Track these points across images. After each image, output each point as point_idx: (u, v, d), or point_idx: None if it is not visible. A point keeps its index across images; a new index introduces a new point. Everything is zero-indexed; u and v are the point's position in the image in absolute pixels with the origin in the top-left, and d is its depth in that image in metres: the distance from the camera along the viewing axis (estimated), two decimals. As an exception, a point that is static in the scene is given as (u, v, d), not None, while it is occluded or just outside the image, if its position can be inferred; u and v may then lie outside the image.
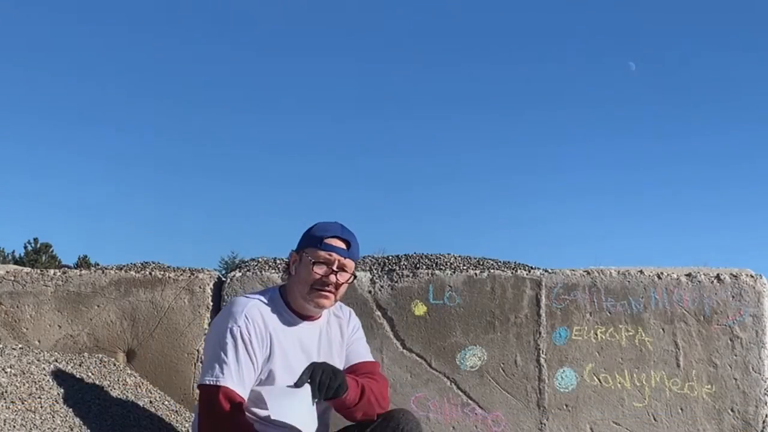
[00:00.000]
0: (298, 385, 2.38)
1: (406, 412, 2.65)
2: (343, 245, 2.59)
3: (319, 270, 2.57)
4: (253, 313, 2.55)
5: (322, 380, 2.39)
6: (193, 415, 2.74)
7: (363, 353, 2.76)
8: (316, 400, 2.38)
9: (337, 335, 2.72)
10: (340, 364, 2.70)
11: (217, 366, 2.47)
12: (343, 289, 2.64)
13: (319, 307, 2.62)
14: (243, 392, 2.47)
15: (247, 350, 2.49)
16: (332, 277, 2.57)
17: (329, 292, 2.59)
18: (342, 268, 2.59)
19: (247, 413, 2.52)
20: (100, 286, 3.85)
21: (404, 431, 2.56)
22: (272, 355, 2.55)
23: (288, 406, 2.34)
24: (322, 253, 2.57)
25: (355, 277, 2.66)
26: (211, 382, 2.46)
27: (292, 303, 2.63)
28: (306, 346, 2.63)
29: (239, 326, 2.51)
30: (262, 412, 2.56)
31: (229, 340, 2.49)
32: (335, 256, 2.57)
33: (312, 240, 2.60)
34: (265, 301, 2.62)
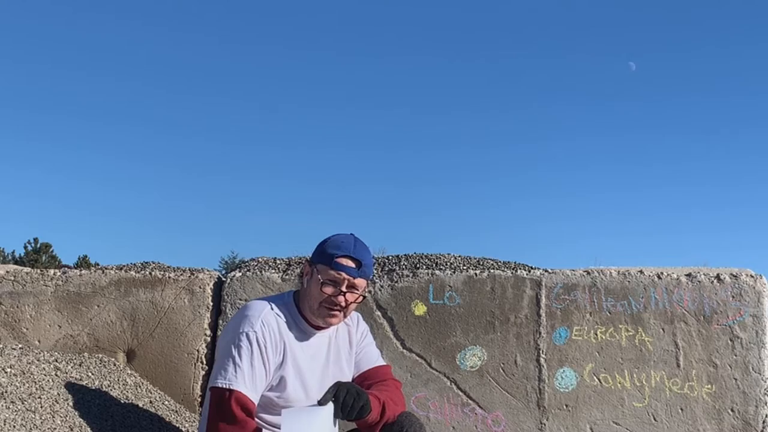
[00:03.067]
0: (321, 403, 2.38)
1: (410, 415, 2.65)
2: (353, 264, 2.56)
3: (328, 290, 2.55)
4: (269, 318, 2.55)
5: (345, 401, 2.40)
6: (201, 416, 2.73)
7: (374, 359, 2.77)
8: (338, 419, 2.39)
9: (345, 343, 2.72)
10: (349, 372, 2.71)
11: (230, 369, 2.46)
12: (352, 307, 2.63)
13: (328, 324, 2.62)
14: (254, 398, 2.47)
15: (261, 356, 2.49)
16: (340, 298, 2.56)
17: (337, 311, 2.58)
18: (352, 287, 2.57)
19: (256, 419, 2.52)
20: (100, 286, 3.85)
21: None
22: (285, 362, 2.55)
23: (306, 423, 2.32)
24: (332, 273, 2.55)
25: (365, 297, 2.63)
26: (224, 386, 2.45)
27: (304, 312, 2.63)
28: (316, 353, 2.64)
29: (255, 331, 2.50)
30: (270, 418, 2.57)
31: (244, 344, 2.49)
32: (344, 276, 2.55)
33: (324, 257, 2.58)
34: (280, 306, 2.62)
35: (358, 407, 2.41)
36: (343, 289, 2.56)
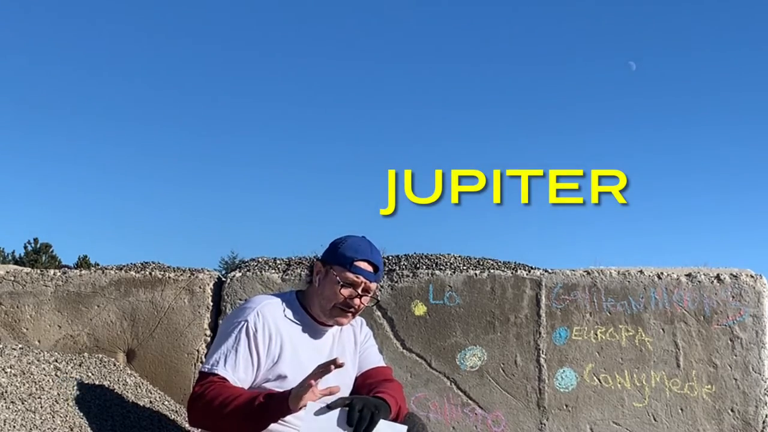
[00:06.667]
0: (332, 407, 2.33)
1: (412, 415, 2.66)
2: (371, 269, 2.60)
3: (345, 292, 2.58)
4: (266, 311, 2.58)
5: (362, 415, 2.30)
6: None
7: (377, 359, 2.79)
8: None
9: (350, 342, 2.74)
10: (353, 370, 2.72)
11: (215, 355, 2.53)
12: (362, 309, 2.66)
13: (337, 324, 2.65)
14: (232, 378, 2.49)
15: (249, 344, 2.52)
16: (356, 301, 2.59)
17: (350, 313, 2.61)
18: (366, 291, 2.61)
19: None
20: (100, 286, 3.85)
21: None
22: (281, 357, 2.57)
23: (326, 420, 2.30)
24: (350, 276, 2.57)
25: (379, 301, 2.67)
26: (206, 370, 2.52)
27: (310, 309, 2.65)
28: (319, 347, 2.65)
29: (247, 320, 2.54)
30: None
31: (233, 332, 2.53)
32: (362, 279, 2.58)
33: (341, 259, 2.60)
34: (282, 302, 2.66)
35: (376, 421, 2.34)
36: (359, 291, 2.59)
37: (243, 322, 2.54)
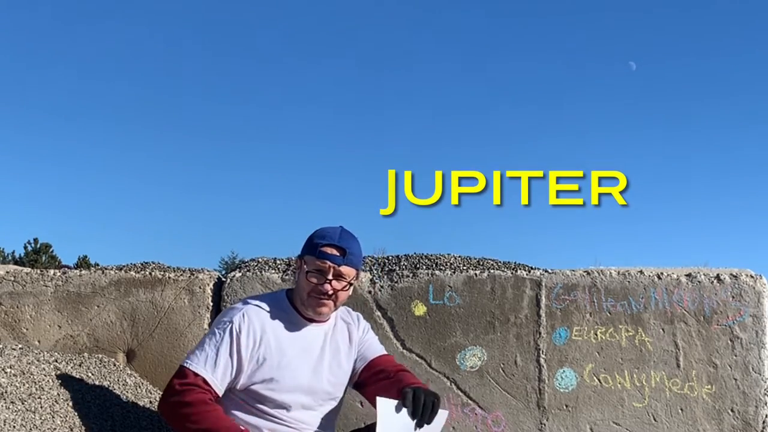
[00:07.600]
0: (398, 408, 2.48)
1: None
2: (337, 253, 2.60)
3: (314, 279, 2.59)
4: (251, 312, 2.60)
5: (426, 403, 2.48)
6: None
7: (379, 349, 2.81)
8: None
9: (345, 340, 2.74)
10: (348, 368, 2.73)
11: (197, 352, 2.57)
12: (342, 296, 2.65)
13: (318, 315, 2.65)
14: (211, 379, 2.52)
15: (231, 345, 2.54)
16: (326, 286, 2.59)
17: (326, 299, 2.61)
18: (338, 276, 2.60)
19: (253, 409, 2.57)
20: (100, 286, 3.85)
21: None
22: (267, 359, 2.58)
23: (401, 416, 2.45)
24: (317, 262, 2.59)
25: (351, 284, 2.66)
26: (185, 365, 2.56)
27: (297, 305, 2.66)
28: (310, 346, 2.65)
29: (231, 321, 2.57)
30: (268, 409, 2.58)
31: (217, 332, 2.57)
32: (329, 264, 2.58)
33: (310, 248, 2.64)
34: (271, 302, 2.67)
35: (435, 411, 2.49)
36: (329, 277, 2.59)
37: (228, 323, 2.57)
